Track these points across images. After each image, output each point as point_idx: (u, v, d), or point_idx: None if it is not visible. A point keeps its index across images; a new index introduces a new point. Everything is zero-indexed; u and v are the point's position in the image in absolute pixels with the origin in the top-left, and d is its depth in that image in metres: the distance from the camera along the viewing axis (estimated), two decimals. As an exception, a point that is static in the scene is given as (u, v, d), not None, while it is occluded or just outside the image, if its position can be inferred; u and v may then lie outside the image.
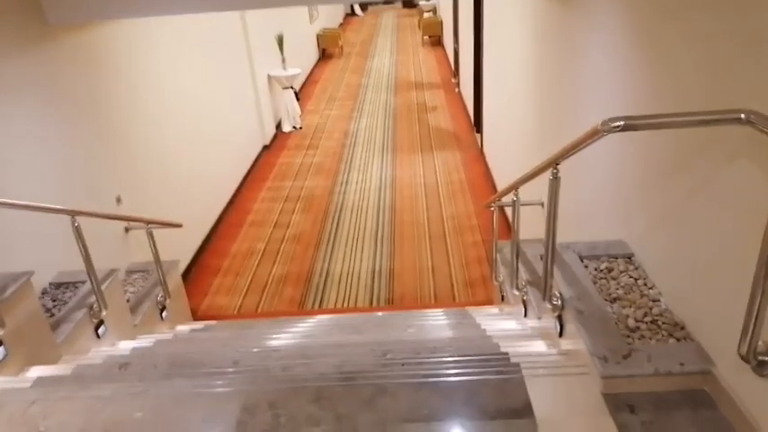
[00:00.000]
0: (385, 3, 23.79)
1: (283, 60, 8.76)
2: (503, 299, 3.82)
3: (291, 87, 8.85)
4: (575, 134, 3.09)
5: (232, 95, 6.98)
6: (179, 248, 5.04)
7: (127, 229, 4.08)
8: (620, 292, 2.14)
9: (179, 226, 4.08)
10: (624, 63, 2.42)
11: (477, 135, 7.92)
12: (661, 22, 2.07)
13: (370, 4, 22.77)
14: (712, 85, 1.72)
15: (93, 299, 3.00)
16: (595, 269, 2.32)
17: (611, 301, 2.09)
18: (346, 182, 7.01)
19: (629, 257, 2.37)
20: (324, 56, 14.34)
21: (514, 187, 2.89)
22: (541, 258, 3.13)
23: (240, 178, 7.00)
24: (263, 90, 8.15)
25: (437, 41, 15.05)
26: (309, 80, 12.11)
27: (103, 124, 3.91)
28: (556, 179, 2.02)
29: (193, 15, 5.63)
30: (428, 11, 16.39)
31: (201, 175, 5.71)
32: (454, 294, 4.69)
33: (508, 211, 5.26)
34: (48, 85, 3.30)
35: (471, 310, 3.95)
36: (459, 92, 10.30)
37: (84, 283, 3.14)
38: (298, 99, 9.04)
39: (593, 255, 2.41)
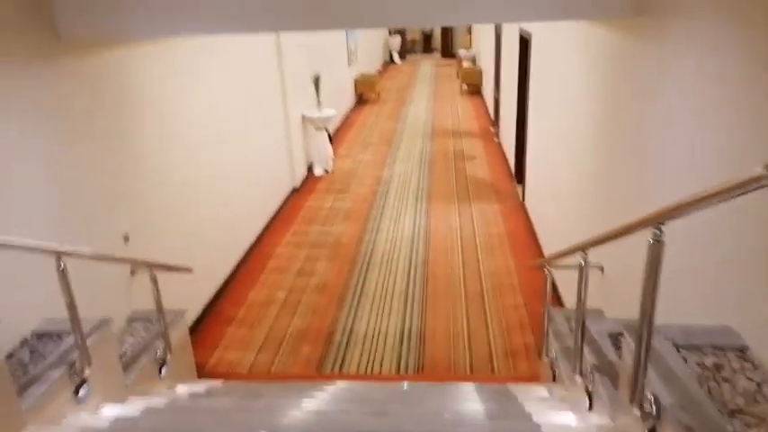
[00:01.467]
0: (424, 51, 24.00)
1: (319, 102, 8.54)
2: (554, 378, 3.24)
3: (325, 129, 8.59)
4: (657, 190, 2.58)
5: (263, 133, 6.70)
6: (193, 293, 4.63)
7: (133, 272, 3.68)
8: (741, 401, 1.59)
9: (188, 271, 3.66)
10: (744, 97, 1.93)
11: (519, 186, 7.44)
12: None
13: (408, 52, 22.97)
14: None
15: (76, 354, 2.57)
16: (698, 364, 1.78)
17: (729, 415, 1.54)
18: (377, 230, 6.56)
19: (741, 351, 1.82)
20: (360, 101, 14.23)
21: (583, 248, 2.37)
22: (610, 337, 2.59)
23: (265, 221, 6.63)
24: (295, 130, 7.89)
25: (476, 91, 14.82)
26: (345, 124, 11.92)
27: (117, 154, 3.58)
28: (658, 243, 1.51)
29: (227, 45, 5.40)
30: (468, 60, 16.27)
31: (223, 216, 5.35)
32: (493, 365, 4.11)
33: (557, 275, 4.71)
34: (54, 107, 2.98)
35: (515, 387, 3.37)
36: (499, 141, 9.89)
37: (70, 333, 2.72)
38: (331, 142, 8.76)
39: (691, 344, 1.87)
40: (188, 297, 4.48)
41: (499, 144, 9.77)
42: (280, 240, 6.38)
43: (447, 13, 2.90)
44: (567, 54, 4.48)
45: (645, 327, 1.60)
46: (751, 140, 1.85)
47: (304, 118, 8.40)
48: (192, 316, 4.52)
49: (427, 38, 24.31)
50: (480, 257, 5.74)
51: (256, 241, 6.23)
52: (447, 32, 22.07)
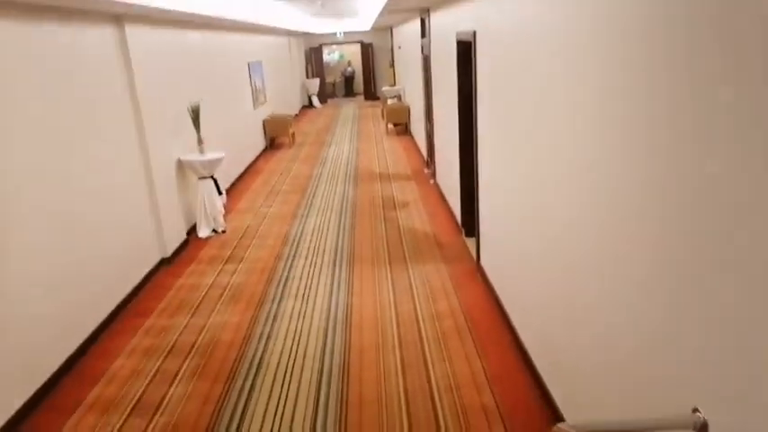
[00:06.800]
0: (346, 95, 22.61)
1: (200, 141, 6.47)
2: None
3: (212, 177, 6.50)
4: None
5: (104, 186, 4.54)
6: None
7: None
8: None
9: None
10: None
11: (469, 240, 5.61)
12: None
13: (329, 96, 21.50)
14: None
15: None
16: None
17: None
18: (274, 317, 4.47)
19: None
20: (272, 145, 12.26)
21: None
22: None
23: (102, 317, 4.39)
24: (165, 179, 5.76)
25: (404, 130, 13.26)
26: (250, 171, 9.88)
27: None
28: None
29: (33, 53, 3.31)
30: (392, 97, 14.78)
31: (32, 306, 3.12)
32: None
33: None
34: None
35: None
36: (436, 182, 8.15)
37: None
38: (220, 192, 6.66)
39: None
40: None
41: (436, 186, 8.02)
42: (122, 346, 4.15)
43: None
44: (559, 37, 2.71)
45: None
46: None
47: (181, 163, 6.32)
48: None
49: (348, 80, 22.96)
50: (429, 356, 3.76)
51: (80, 352, 3.98)
52: (369, 71, 20.73)
